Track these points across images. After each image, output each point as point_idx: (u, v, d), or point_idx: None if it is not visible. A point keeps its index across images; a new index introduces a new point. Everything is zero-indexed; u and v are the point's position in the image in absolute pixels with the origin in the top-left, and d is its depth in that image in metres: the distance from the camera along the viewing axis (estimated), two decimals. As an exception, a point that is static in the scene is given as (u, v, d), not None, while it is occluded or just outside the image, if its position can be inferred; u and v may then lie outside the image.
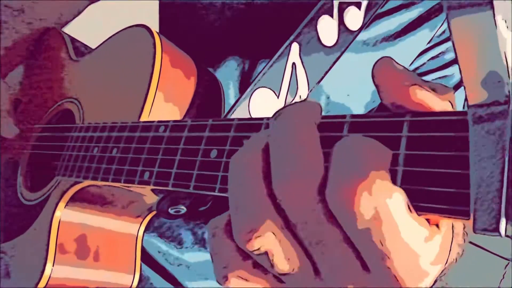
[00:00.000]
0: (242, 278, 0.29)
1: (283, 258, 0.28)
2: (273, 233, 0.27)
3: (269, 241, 0.27)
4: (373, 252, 0.25)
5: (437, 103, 0.27)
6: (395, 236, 0.24)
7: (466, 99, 0.22)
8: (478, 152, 0.21)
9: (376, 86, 0.28)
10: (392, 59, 0.28)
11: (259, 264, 0.29)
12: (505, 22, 0.20)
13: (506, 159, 0.20)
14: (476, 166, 0.21)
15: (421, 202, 0.25)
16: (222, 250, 0.30)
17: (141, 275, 0.64)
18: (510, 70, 0.20)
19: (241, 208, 0.28)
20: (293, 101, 0.57)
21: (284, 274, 0.28)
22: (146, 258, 0.69)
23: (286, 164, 0.26)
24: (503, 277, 1.79)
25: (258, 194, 0.27)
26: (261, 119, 0.35)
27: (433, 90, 0.27)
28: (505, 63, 0.20)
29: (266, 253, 0.28)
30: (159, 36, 0.57)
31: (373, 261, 0.26)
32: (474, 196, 0.21)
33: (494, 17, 0.20)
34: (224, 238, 0.30)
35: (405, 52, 0.66)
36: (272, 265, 0.28)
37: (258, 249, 0.27)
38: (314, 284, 0.28)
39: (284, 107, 0.29)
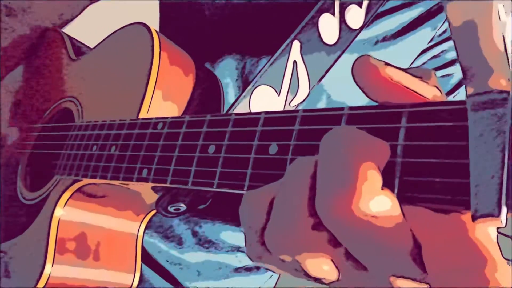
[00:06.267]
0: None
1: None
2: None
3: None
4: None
5: (424, 89, 0.26)
6: None
7: (465, 87, 0.21)
8: (477, 141, 0.21)
9: (360, 88, 0.27)
10: (370, 56, 0.27)
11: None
12: (503, 6, 0.19)
13: (507, 146, 0.20)
14: (475, 155, 0.21)
15: (420, 193, 0.24)
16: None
17: (141, 275, 0.64)
18: (510, 56, 0.20)
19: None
20: (293, 99, 0.57)
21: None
22: (146, 258, 0.68)
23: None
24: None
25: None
26: (259, 113, 0.34)
27: (419, 77, 0.27)
28: (502, 49, 0.20)
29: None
30: (157, 33, 0.57)
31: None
32: (474, 185, 0.21)
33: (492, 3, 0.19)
34: None
35: (406, 51, 0.66)
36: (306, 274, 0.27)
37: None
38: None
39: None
